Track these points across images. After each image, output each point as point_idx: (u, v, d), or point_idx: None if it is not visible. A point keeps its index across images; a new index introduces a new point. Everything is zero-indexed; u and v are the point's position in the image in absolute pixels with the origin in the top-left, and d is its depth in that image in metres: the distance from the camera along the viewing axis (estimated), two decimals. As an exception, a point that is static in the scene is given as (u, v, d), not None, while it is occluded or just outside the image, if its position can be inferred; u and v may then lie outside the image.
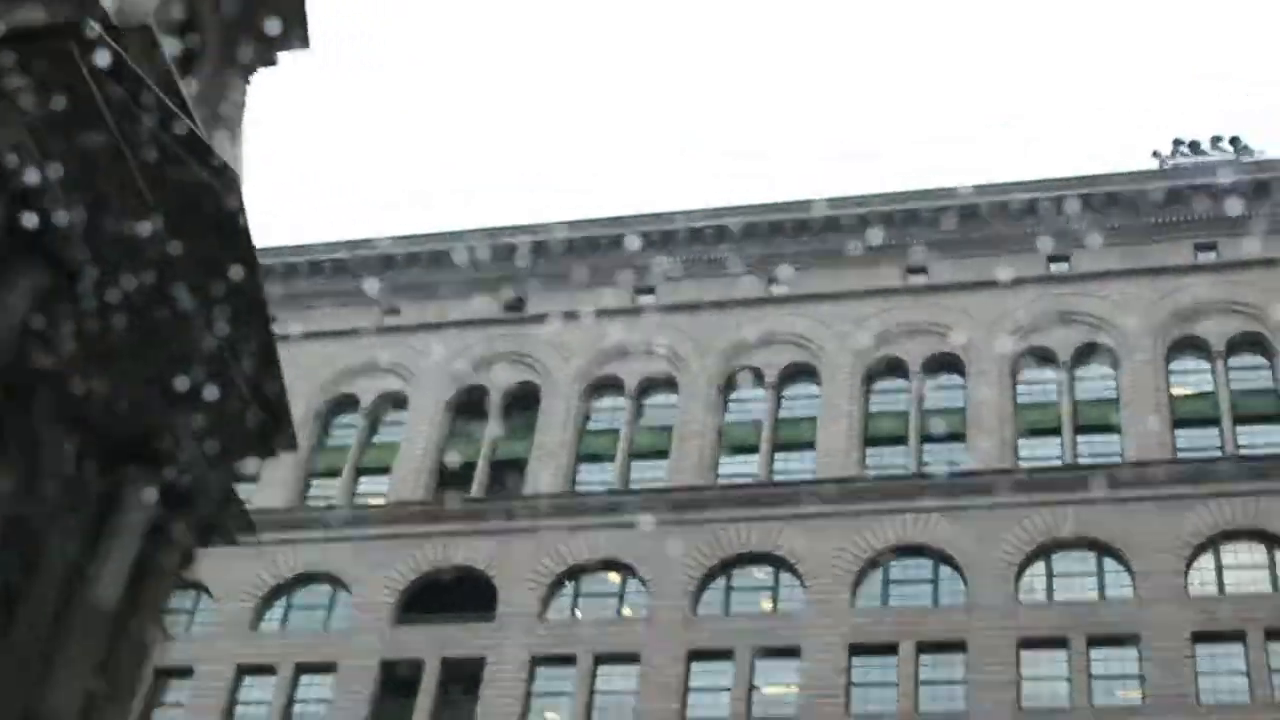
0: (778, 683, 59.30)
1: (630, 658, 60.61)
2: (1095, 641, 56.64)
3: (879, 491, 62.43)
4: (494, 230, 74.22)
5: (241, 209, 30.15)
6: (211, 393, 28.72)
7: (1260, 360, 63.76)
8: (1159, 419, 62.04)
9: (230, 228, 28.29)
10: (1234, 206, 64.97)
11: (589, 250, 72.73)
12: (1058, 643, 57.01)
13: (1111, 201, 67.06)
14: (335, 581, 66.26)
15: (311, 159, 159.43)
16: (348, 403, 73.22)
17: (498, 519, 65.74)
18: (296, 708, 63.43)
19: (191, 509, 27.46)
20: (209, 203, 29.07)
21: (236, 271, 28.51)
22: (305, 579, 66.70)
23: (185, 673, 64.16)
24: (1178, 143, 68.61)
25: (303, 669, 63.90)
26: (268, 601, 66.40)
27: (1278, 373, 62.87)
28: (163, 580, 26.77)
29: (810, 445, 65.71)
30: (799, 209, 70.78)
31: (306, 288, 75.18)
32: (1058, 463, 62.41)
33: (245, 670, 64.18)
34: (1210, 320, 64.60)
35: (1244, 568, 57.71)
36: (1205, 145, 68.30)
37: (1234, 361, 63.88)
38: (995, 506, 60.52)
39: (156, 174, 28.05)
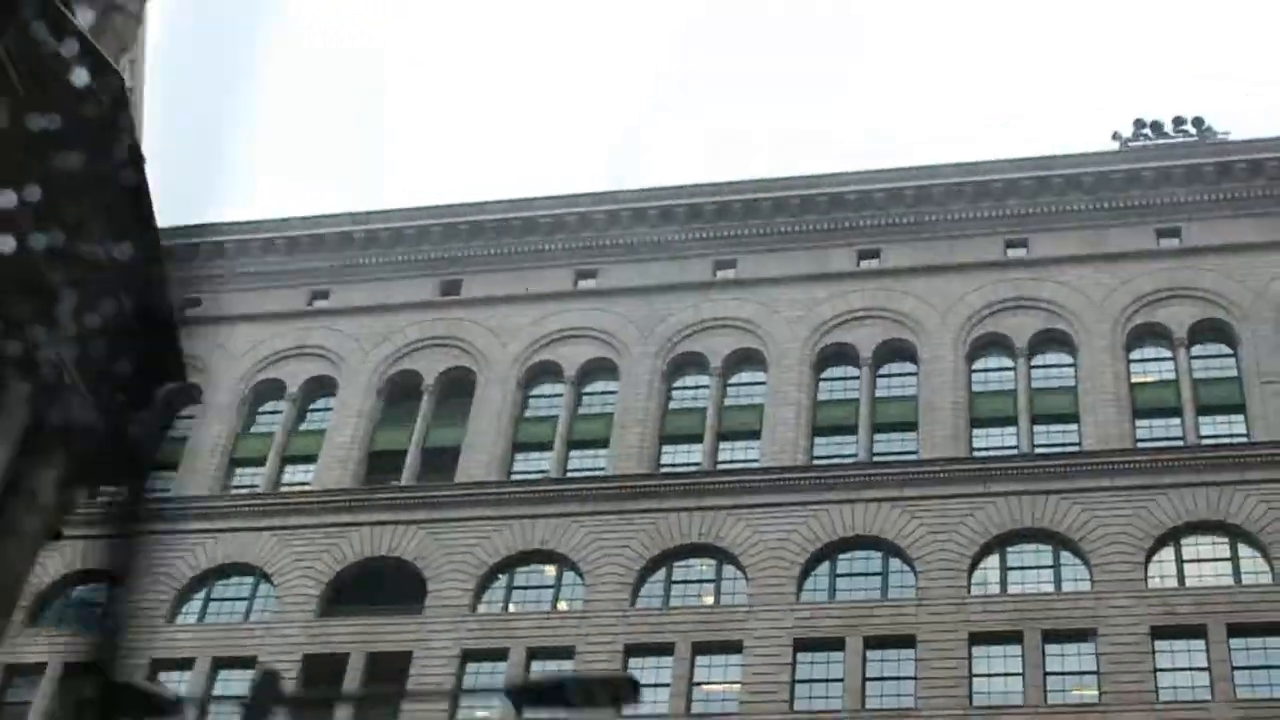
0: (719, 679, 56.93)
1: (565, 653, 57.92)
2: (1050, 636, 54.52)
3: (827, 482, 60.15)
4: (429, 210, 71.57)
5: (131, 126, 27.65)
6: (92, 319, 26.23)
7: (1223, 348, 61.85)
8: (1118, 408, 60.24)
9: (113, 128, 25.82)
10: (1197, 190, 63.28)
11: (528, 231, 70.19)
12: (1011, 638, 54.77)
13: (1070, 184, 65.10)
14: (257, 572, 63.35)
15: (246, 127, 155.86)
16: (274, 388, 70.24)
17: (428, 509, 63.11)
18: (214, 704, 60.44)
19: (67, 438, 24.98)
20: (94, 107, 26.60)
21: (124, 175, 26.06)
22: (226, 570, 63.75)
23: (96, 667, 61.25)
24: (1139, 124, 66.67)
25: (220, 663, 60.97)
26: (185, 594, 63.41)
27: (1241, 361, 60.94)
28: (35, 507, 24.43)
29: (756, 434, 63.40)
30: (747, 189, 68.47)
31: (232, 268, 72.19)
32: (1013, 452, 60.36)
33: (160, 665, 61.10)
34: (1172, 307, 62.71)
35: (1205, 561, 55.86)
36: (1168, 126, 66.43)
37: (1196, 349, 61.95)
38: (948, 497, 58.53)
39: (34, 71, 25.65)
